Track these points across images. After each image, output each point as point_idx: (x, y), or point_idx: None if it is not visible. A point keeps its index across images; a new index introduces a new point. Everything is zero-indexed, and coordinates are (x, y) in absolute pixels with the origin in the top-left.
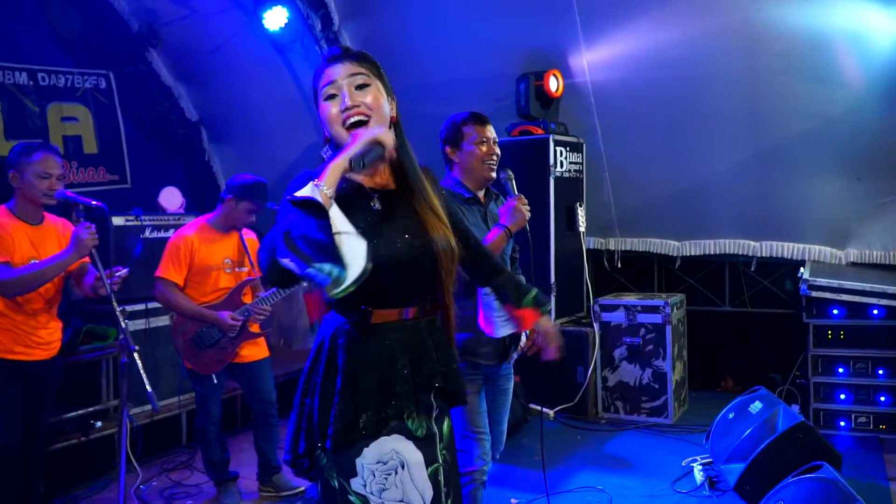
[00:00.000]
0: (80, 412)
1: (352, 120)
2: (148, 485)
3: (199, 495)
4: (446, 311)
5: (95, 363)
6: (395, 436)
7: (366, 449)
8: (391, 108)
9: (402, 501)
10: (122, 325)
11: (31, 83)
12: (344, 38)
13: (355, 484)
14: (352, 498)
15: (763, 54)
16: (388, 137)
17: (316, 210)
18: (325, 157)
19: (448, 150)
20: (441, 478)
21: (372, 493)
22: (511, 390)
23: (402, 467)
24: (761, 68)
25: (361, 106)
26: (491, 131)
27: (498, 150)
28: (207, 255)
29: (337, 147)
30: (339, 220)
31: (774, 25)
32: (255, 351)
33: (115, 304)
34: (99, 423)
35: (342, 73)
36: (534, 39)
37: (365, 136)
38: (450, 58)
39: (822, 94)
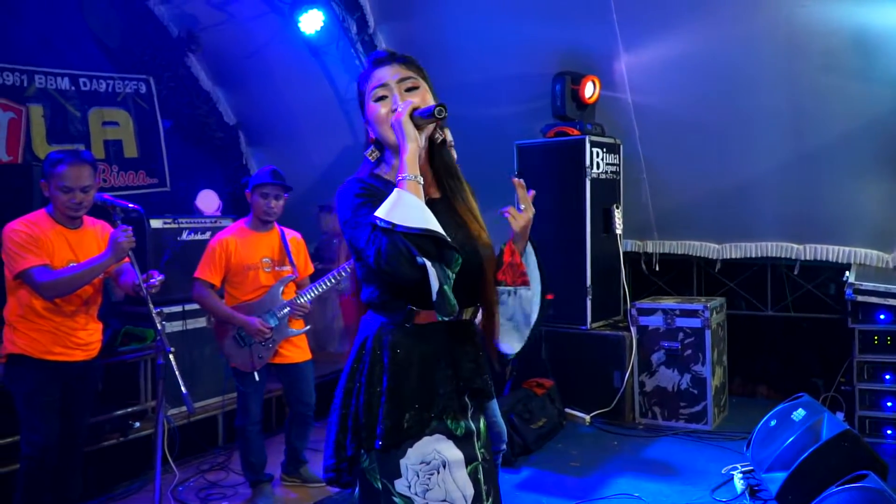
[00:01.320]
0: (118, 413)
1: (406, 105)
2: (185, 485)
3: (235, 496)
4: (490, 316)
5: (134, 364)
6: (436, 435)
7: (410, 449)
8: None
9: (444, 501)
10: (158, 326)
11: (73, 88)
12: (379, 41)
13: (399, 485)
14: (396, 499)
15: (805, 53)
16: (417, 103)
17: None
18: (370, 157)
19: None
20: (480, 476)
21: (416, 494)
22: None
23: (444, 466)
24: (803, 67)
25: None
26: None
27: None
28: (245, 255)
29: (382, 148)
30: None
31: (817, 23)
32: (296, 353)
33: (151, 306)
34: (137, 424)
35: (392, 76)
36: (570, 40)
37: (405, 111)
38: (485, 59)
39: (867, 92)
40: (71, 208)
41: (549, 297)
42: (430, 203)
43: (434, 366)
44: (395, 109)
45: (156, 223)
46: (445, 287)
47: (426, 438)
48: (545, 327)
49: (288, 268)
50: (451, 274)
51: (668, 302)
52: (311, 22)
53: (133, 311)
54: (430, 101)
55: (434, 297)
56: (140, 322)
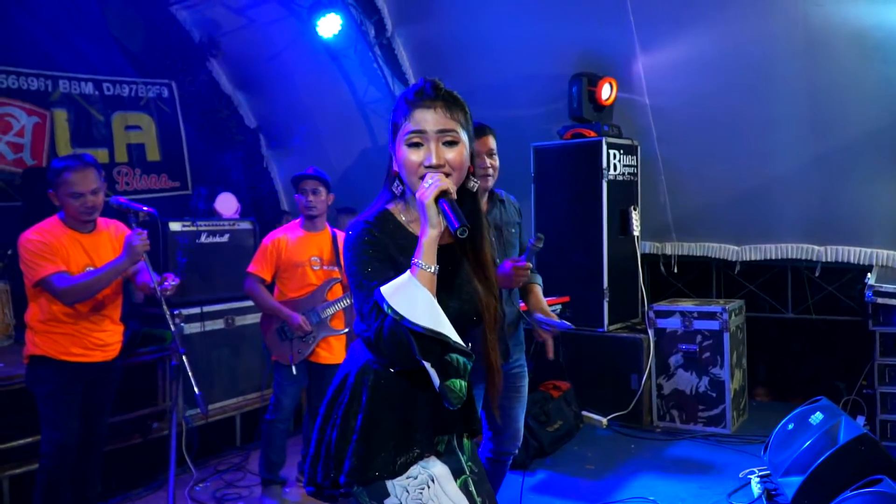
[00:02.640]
0: (138, 413)
1: (434, 187)
2: (201, 485)
3: (251, 497)
4: (489, 376)
5: (152, 366)
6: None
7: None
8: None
9: None
10: (172, 328)
11: (97, 93)
12: (397, 44)
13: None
14: None
15: (823, 53)
16: (448, 184)
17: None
18: (393, 190)
19: None
20: (472, 488)
21: None
22: (524, 388)
23: (433, 481)
24: (822, 67)
25: (446, 166)
26: (486, 142)
27: (492, 162)
28: (295, 253)
29: (402, 181)
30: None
31: (834, 23)
32: (332, 355)
33: (165, 308)
34: (156, 425)
35: (433, 124)
36: (587, 41)
37: (432, 193)
38: (502, 61)
39: (887, 91)
40: (84, 212)
41: (565, 299)
42: (443, 250)
43: (413, 410)
44: (429, 166)
45: (174, 226)
46: (450, 382)
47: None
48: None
49: (336, 268)
50: (462, 363)
51: (686, 304)
52: (329, 26)
53: (153, 313)
54: (466, 158)
55: (437, 389)
56: (159, 324)
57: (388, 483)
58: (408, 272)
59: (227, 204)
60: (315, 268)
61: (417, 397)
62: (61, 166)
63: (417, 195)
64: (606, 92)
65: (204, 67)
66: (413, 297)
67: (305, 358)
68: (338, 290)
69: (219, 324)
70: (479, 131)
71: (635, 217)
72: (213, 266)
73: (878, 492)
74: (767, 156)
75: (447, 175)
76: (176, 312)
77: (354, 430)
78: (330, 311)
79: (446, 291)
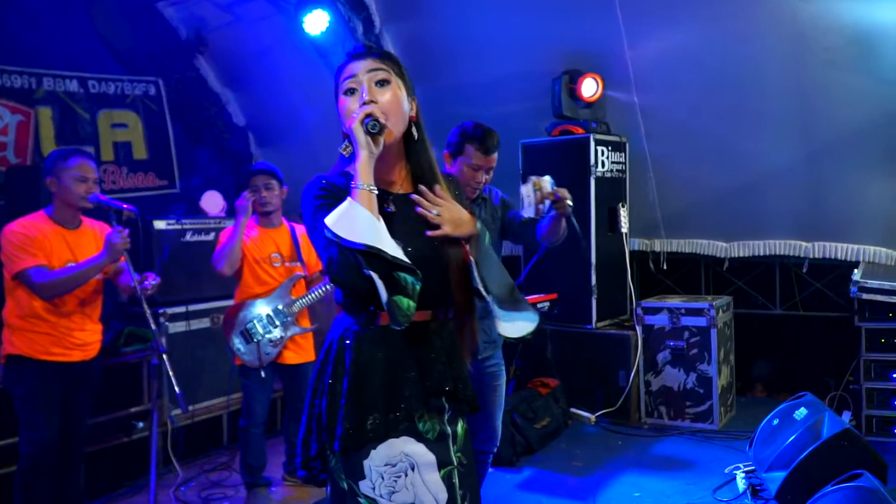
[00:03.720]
0: (122, 413)
1: (360, 111)
2: (187, 485)
3: (237, 497)
4: (459, 318)
5: (137, 365)
6: (404, 438)
7: (373, 451)
8: (411, 108)
9: None
10: (153, 326)
11: (82, 90)
12: (385, 41)
13: (364, 486)
14: (361, 500)
15: (812, 49)
16: (375, 110)
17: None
18: (343, 153)
19: (446, 153)
20: (455, 480)
21: (381, 496)
22: (501, 387)
23: (413, 469)
24: (810, 63)
25: (377, 102)
26: (491, 160)
27: (487, 178)
28: (254, 249)
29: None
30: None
31: (823, 19)
32: (299, 354)
33: (146, 307)
34: (141, 424)
35: (363, 69)
36: (575, 38)
37: (357, 118)
38: (490, 58)
39: (875, 89)
40: (84, 198)
41: (553, 296)
42: (400, 198)
43: (398, 367)
44: (363, 103)
45: (159, 224)
46: (396, 298)
47: (392, 440)
48: (550, 326)
49: (298, 263)
50: (409, 282)
51: (674, 301)
52: (316, 22)
53: (137, 312)
54: (402, 97)
55: (384, 307)
56: (144, 323)
57: (366, 465)
58: (347, 199)
59: (212, 202)
60: (276, 264)
61: (402, 353)
62: (66, 152)
63: (347, 124)
64: (590, 88)
65: (191, 65)
66: (353, 218)
67: (273, 360)
68: (302, 286)
69: (205, 322)
70: (493, 147)
71: (623, 214)
72: (199, 265)
73: (858, 486)
74: (756, 153)
75: (382, 113)
76: (161, 311)
77: (342, 394)
78: (296, 307)
79: (405, 234)
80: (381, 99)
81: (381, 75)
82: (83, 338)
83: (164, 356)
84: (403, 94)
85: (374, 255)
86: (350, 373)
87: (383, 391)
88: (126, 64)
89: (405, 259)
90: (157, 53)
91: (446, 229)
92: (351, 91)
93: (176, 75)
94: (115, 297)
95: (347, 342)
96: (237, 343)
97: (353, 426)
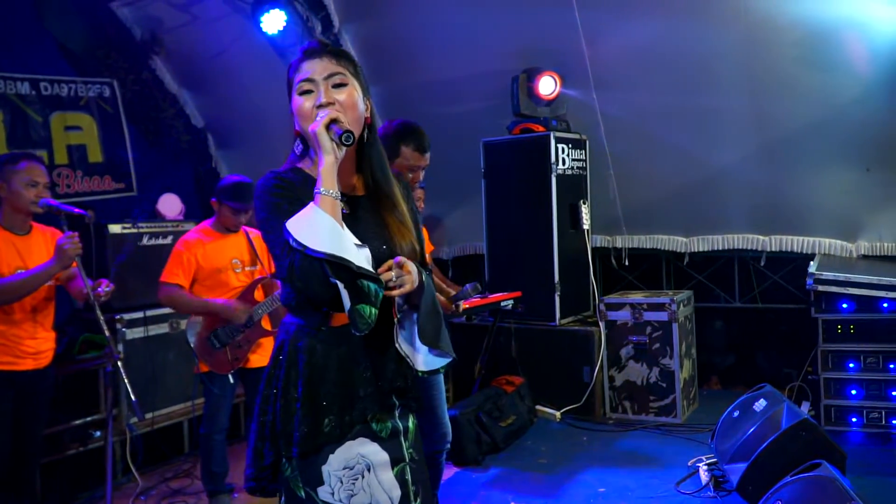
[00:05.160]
0: (78, 422)
1: (324, 115)
2: (147, 494)
3: None
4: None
5: (93, 372)
6: (360, 439)
7: (331, 455)
8: (366, 109)
9: None
10: (107, 333)
11: (34, 93)
12: (344, 40)
13: (323, 493)
14: None
15: (765, 44)
16: (339, 115)
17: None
18: (296, 151)
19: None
20: (408, 476)
21: (341, 501)
22: (441, 383)
23: (369, 470)
24: (764, 59)
25: (336, 104)
26: (427, 159)
27: (421, 177)
28: (214, 257)
29: (305, 142)
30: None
31: (775, 15)
32: (263, 357)
33: (99, 313)
34: (98, 433)
35: (320, 70)
36: (533, 36)
37: (321, 122)
38: (450, 57)
39: (829, 83)
40: (34, 203)
41: (517, 294)
42: (354, 200)
43: (352, 368)
44: (319, 105)
45: (114, 228)
46: (360, 307)
47: (349, 443)
48: (514, 324)
49: (258, 267)
50: (373, 290)
51: (636, 296)
52: (273, 22)
53: (93, 319)
54: (358, 98)
55: (347, 314)
56: (100, 329)
57: (325, 470)
58: (311, 203)
59: (169, 205)
60: (237, 270)
61: (356, 355)
62: (15, 156)
63: (310, 128)
64: (548, 87)
65: (147, 66)
66: (316, 225)
67: (242, 363)
68: (261, 290)
69: (163, 328)
70: (428, 145)
71: (585, 211)
72: (156, 269)
73: (818, 476)
74: (713, 148)
75: (339, 114)
76: (118, 317)
77: (297, 398)
78: (261, 311)
79: (360, 236)
80: (338, 98)
81: (338, 79)
82: (35, 346)
83: (119, 363)
84: (359, 95)
85: (337, 266)
86: (304, 375)
87: (338, 392)
88: (79, 65)
89: (370, 269)
90: (111, 54)
91: (406, 288)
92: (307, 92)
93: (131, 76)
94: (71, 304)
95: (300, 344)
96: (203, 350)
97: (310, 429)
